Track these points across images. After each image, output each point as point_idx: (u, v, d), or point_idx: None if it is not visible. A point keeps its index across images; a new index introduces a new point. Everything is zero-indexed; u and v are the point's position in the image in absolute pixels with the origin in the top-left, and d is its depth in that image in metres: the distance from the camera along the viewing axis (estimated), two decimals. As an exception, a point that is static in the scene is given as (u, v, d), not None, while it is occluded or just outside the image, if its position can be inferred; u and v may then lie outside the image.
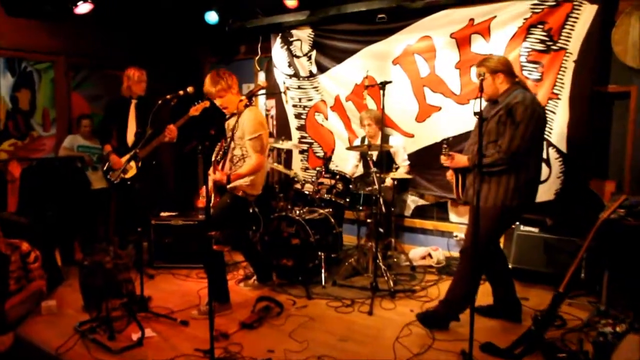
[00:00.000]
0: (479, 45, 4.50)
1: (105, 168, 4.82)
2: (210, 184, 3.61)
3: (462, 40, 4.58)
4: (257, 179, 3.75)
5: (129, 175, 4.64)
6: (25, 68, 5.65)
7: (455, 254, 4.93)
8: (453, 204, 5.05)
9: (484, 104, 3.23)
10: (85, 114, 5.78)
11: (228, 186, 3.64)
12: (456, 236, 5.03)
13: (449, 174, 3.45)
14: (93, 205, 5.30)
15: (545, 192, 4.15)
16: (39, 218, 4.62)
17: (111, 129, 4.91)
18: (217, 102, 3.65)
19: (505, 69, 3.18)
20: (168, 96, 3.77)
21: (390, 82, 3.94)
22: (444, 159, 3.35)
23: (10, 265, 3.79)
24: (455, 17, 4.56)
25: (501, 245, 3.76)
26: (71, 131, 5.80)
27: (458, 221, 5.03)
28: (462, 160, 3.29)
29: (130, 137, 4.77)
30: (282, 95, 5.71)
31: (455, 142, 4.53)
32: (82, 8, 5.14)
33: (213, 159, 3.67)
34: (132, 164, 4.46)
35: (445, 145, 3.32)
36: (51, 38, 5.63)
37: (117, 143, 4.86)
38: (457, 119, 4.66)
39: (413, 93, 4.94)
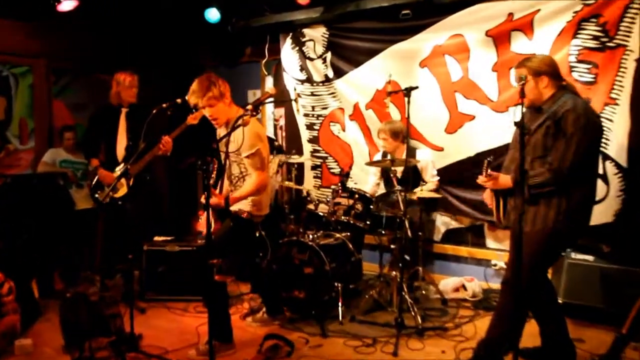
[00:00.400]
0: (520, 44, 4.46)
1: (92, 185, 4.86)
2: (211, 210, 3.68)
3: (500, 38, 4.55)
4: (262, 199, 3.76)
5: (119, 194, 4.67)
6: (0, 72, 5.71)
7: (495, 285, 4.88)
8: (491, 228, 5.00)
9: (525, 111, 3.19)
10: (69, 124, 5.83)
11: (230, 208, 3.64)
12: (495, 265, 4.98)
13: (487, 195, 3.43)
14: (77, 228, 5.32)
15: (601, 214, 4.08)
16: (13, 243, 4.66)
17: (98, 141, 4.95)
18: (206, 112, 3.65)
19: (551, 71, 3.15)
20: (164, 105, 3.80)
21: (416, 87, 3.95)
22: (483, 180, 3.29)
23: (-21, 298, 3.79)
24: (492, 12, 4.54)
25: (549, 276, 3.71)
26: (52, 144, 5.86)
27: (497, 247, 4.98)
28: (506, 181, 3.23)
29: (121, 151, 4.80)
30: (293, 103, 5.71)
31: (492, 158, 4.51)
32: (66, 5, 5.21)
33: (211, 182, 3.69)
34: (123, 181, 4.48)
35: (487, 163, 3.24)
36: (30, 38, 5.70)
37: (105, 158, 4.89)
38: (494, 129, 4.63)
39: (443, 100, 4.93)
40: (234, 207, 3.66)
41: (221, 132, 3.72)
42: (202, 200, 3.42)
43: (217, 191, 3.72)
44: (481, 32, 4.62)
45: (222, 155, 3.61)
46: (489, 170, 3.23)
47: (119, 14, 5.84)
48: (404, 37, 5.04)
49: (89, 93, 6.19)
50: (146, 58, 6.20)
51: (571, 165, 2.99)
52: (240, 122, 3.37)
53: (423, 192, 4.50)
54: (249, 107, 3.60)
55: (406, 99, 3.83)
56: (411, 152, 4.76)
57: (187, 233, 5.46)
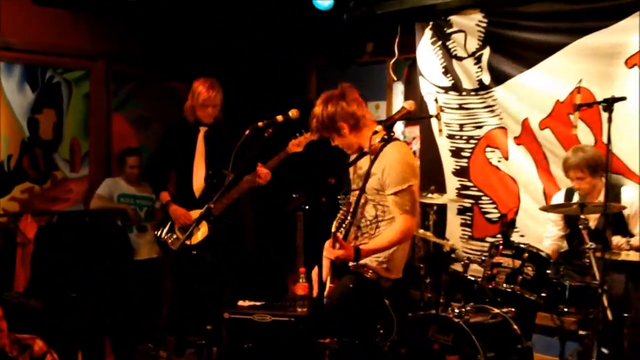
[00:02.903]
0: None
1: (160, 227, 5.05)
2: (326, 264, 3.69)
3: None
4: (397, 255, 3.79)
5: (196, 240, 4.78)
6: (50, 79, 6.07)
7: None
8: None
9: None
10: (132, 147, 6.11)
11: (351, 264, 3.70)
12: None
13: None
14: (136, 285, 5.51)
15: None
16: (58, 302, 4.83)
17: (169, 169, 5.19)
18: (335, 141, 3.84)
19: None
20: (260, 123, 3.95)
21: (622, 98, 3.86)
22: None
23: (17, 374, 3.94)
24: None
25: None
26: (110, 172, 6.10)
27: None
28: None
29: (198, 183, 4.97)
30: (433, 120, 5.67)
31: None
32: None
33: (333, 228, 3.72)
34: (204, 225, 4.63)
35: None
36: (88, 36, 6.05)
37: (178, 191, 5.13)
38: None
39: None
40: (363, 262, 3.74)
41: (359, 160, 3.87)
42: (328, 252, 3.56)
43: (344, 238, 3.73)
44: None
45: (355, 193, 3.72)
46: None
47: (197, 5, 6.09)
48: (600, 24, 4.87)
49: (157, 105, 6.45)
50: (233, 61, 6.44)
51: None
52: (366, 149, 3.37)
53: (631, 253, 4.28)
54: (380, 127, 3.59)
55: (605, 114, 3.75)
56: (612, 191, 4.53)
57: (282, 297, 5.53)
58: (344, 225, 3.70)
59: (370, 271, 3.74)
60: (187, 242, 4.67)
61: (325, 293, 3.67)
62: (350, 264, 3.70)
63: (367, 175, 3.64)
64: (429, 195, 5.22)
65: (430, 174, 5.87)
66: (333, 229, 3.71)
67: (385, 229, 3.74)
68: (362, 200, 3.72)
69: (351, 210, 3.70)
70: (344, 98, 3.78)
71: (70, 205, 6.05)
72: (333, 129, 3.77)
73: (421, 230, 5.25)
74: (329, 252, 3.63)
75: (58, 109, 6.11)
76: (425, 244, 5.49)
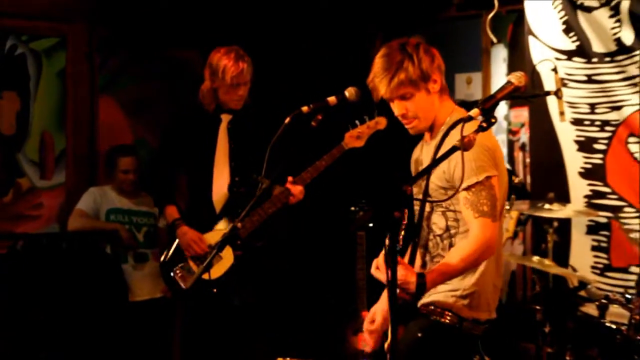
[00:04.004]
0: None
1: (167, 255, 4.99)
2: (382, 303, 3.77)
3: None
4: (484, 282, 3.70)
5: (218, 273, 4.79)
6: (12, 49, 6.04)
7: None
8: None
9: None
10: (126, 145, 6.14)
11: (420, 303, 3.66)
12: None
13: None
14: (134, 338, 5.48)
15: None
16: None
17: (177, 173, 5.20)
18: (395, 108, 3.75)
19: None
20: (304, 108, 3.93)
21: None
22: None
23: None
24: None
25: None
26: (96, 179, 6.16)
27: None
28: None
29: (220, 193, 4.99)
30: (550, 100, 5.72)
31: None
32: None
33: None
34: (228, 252, 4.67)
35: None
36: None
37: (190, 204, 5.15)
38: None
39: None
40: (426, 299, 3.66)
41: (426, 149, 3.80)
42: (378, 272, 3.45)
43: (409, 261, 3.74)
44: None
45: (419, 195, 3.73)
46: None
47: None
48: None
49: (159, 83, 6.42)
50: (261, 21, 6.37)
51: None
52: (457, 142, 3.22)
53: None
54: (475, 111, 3.40)
55: None
56: None
57: (339, 353, 5.50)
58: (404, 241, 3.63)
59: (450, 314, 3.65)
60: (205, 277, 4.47)
61: (386, 346, 3.67)
62: (423, 300, 3.66)
63: (429, 168, 3.52)
64: (546, 206, 5.18)
65: (547, 175, 5.88)
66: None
67: None
68: (427, 209, 3.73)
69: (409, 221, 3.58)
70: (432, 47, 3.79)
71: (40, 226, 6.03)
72: (422, 82, 3.67)
73: (535, 258, 5.21)
74: (382, 272, 3.43)
75: (22, 91, 6.12)
76: (541, 277, 5.45)
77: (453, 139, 3.37)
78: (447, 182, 3.61)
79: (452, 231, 3.68)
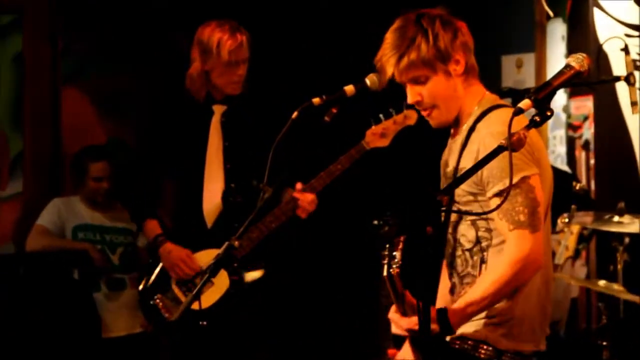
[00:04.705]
0: None
1: (147, 280, 5.05)
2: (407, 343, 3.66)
3: None
4: (529, 305, 3.64)
5: (209, 302, 4.84)
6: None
7: None
8: None
9: None
10: (97, 146, 6.11)
11: (450, 337, 3.57)
12: None
13: None
14: None
15: None
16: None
17: (160, 179, 5.22)
18: (409, 94, 3.69)
19: None
20: (315, 100, 3.99)
21: None
22: None
23: None
24: None
25: None
26: (60, 189, 6.16)
27: None
28: None
29: (212, 202, 5.04)
30: (620, 86, 5.73)
31: None
32: None
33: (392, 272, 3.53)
34: (222, 276, 4.67)
35: None
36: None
37: (176, 216, 5.22)
38: None
39: None
40: (463, 329, 3.57)
41: (453, 147, 3.76)
42: (396, 323, 3.49)
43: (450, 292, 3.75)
44: None
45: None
46: None
47: None
48: None
49: (137, 70, 6.43)
50: (264, 21, 6.36)
51: None
52: (503, 141, 3.20)
53: None
54: (527, 102, 3.36)
55: None
56: None
57: None
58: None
59: (484, 349, 3.58)
60: (194, 307, 4.52)
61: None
62: (450, 337, 3.56)
63: (455, 171, 3.58)
64: (615, 219, 5.28)
65: (616, 180, 6.05)
66: (387, 273, 3.45)
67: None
68: (452, 218, 3.67)
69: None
70: (458, 20, 3.68)
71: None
72: (440, 63, 3.60)
73: (601, 282, 5.33)
74: (397, 322, 3.52)
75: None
76: (610, 305, 5.55)
77: (480, 133, 3.55)
78: (477, 185, 3.56)
79: (484, 244, 3.62)
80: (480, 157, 3.37)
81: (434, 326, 3.36)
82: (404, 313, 3.48)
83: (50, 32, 6.17)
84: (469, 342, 3.59)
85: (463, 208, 3.63)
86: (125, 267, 5.73)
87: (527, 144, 3.29)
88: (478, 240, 3.62)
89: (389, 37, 3.64)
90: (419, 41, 3.57)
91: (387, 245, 3.22)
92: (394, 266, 3.41)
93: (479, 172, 3.47)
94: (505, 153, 3.22)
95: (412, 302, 3.45)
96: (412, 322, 3.42)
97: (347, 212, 5.08)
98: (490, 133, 3.51)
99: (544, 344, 3.68)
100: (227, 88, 4.99)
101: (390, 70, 3.61)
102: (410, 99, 3.67)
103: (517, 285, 3.55)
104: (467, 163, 3.55)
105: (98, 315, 5.56)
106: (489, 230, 3.60)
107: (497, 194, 3.46)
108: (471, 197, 3.58)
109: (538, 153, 3.58)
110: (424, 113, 3.72)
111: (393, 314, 3.53)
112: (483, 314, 3.58)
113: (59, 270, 5.55)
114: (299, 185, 4.83)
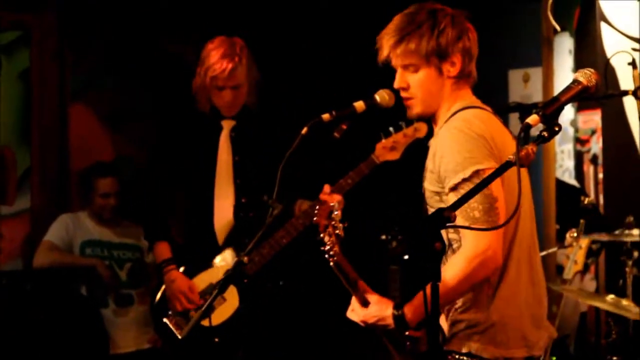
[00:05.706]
0: None
1: (157, 298, 5.04)
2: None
3: None
4: (510, 308, 3.60)
5: (220, 319, 4.85)
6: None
7: None
8: None
9: None
10: (105, 162, 6.11)
11: (447, 347, 3.57)
12: None
13: None
14: None
15: None
16: None
17: (169, 197, 5.19)
18: (398, 77, 3.70)
19: None
20: (325, 116, 3.91)
21: None
22: None
23: None
24: None
25: None
26: (67, 205, 6.15)
27: None
28: None
29: (223, 219, 5.05)
30: (628, 101, 5.75)
31: None
32: None
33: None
34: (232, 293, 4.64)
35: None
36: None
37: (187, 233, 5.24)
38: None
39: None
40: (451, 346, 3.57)
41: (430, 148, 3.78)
42: (354, 313, 3.55)
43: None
44: None
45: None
46: None
47: None
48: None
49: (144, 87, 6.43)
50: (263, 21, 6.39)
51: None
52: (511, 156, 3.19)
53: None
54: (534, 118, 3.33)
55: None
56: None
57: None
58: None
59: (461, 355, 3.54)
60: (204, 324, 4.54)
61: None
62: (447, 346, 3.57)
63: (423, 174, 3.58)
64: (625, 232, 5.21)
65: (625, 194, 5.94)
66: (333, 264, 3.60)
67: None
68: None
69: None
70: (467, 20, 3.66)
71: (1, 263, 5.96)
72: (436, 58, 3.60)
73: (610, 296, 5.22)
74: (355, 310, 3.58)
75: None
76: (619, 322, 5.52)
77: (441, 131, 3.60)
78: (439, 184, 3.53)
79: (455, 245, 3.58)
80: (438, 152, 3.51)
81: (389, 321, 3.46)
82: (364, 303, 3.54)
83: (58, 48, 6.14)
84: (457, 356, 3.56)
85: (433, 205, 3.63)
86: (133, 282, 5.74)
87: (481, 137, 3.55)
88: (450, 243, 3.58)
89: (397, 18, 3.65)
90: (423, 30, 3.58)
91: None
92: (332, 254, 3.56)
93: (438, 170, 3.52)
94: (460, 147, 3.51)
95: (366, 290, 3.55)
96: (369, 314, 3.52)
97: (356, 227, 5.11)
98: (446, 127, 3.56)
99: (539, 350, 3.66)
100: (221, 109, 5.03)
101: (386, 51, 3.62)
102: (396, 84, 3.68)
103: (475, 282, 3.52)
104: (429, 162, 3.59)
105: (106, 331, 5.56)
106: (457, 231, 3.56)
107: (453, 189, 3.46)
108: (437, 197, 3.58)
109: (500, 147, 3.53)
110: (404, 100, 3.71)
111: (353, 301, 3.58)
112: (465, 325, 3.55)
113: (66, 286, 5.55)
114: (327, 187, 4.69)
